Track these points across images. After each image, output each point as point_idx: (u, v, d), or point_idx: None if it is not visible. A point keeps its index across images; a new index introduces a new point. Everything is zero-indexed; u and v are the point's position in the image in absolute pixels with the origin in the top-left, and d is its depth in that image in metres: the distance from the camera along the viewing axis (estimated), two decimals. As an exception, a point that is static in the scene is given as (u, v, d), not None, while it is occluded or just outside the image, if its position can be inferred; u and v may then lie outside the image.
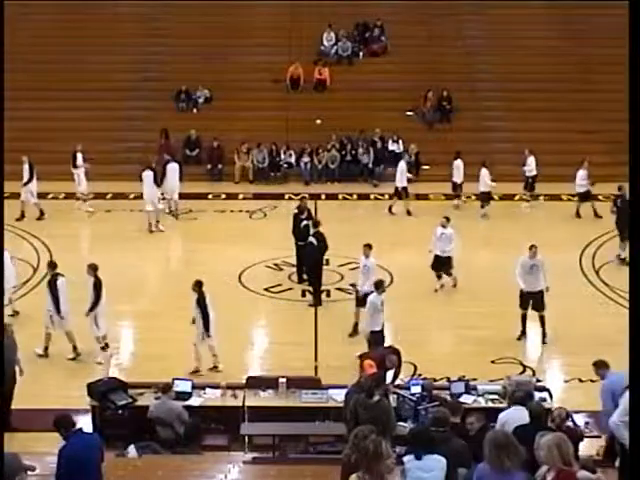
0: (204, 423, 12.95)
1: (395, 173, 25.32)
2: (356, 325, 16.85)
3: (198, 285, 15.52)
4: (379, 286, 15.56)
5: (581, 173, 24.56)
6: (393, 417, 11.45)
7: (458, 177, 25.81)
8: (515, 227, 23.72)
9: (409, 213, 24.99)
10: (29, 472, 7.80)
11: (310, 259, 19.18)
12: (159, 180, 23.87)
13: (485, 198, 24.90)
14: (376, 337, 15.35)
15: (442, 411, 10.18)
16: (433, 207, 26.04)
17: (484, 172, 24.82)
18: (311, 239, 19.02)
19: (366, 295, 16.10)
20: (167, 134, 28.56)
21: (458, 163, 25.64)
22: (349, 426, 10.90)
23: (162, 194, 24.48)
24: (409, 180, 25.23)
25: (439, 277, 19.34)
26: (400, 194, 25.14)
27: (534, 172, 26.06)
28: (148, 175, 23.53)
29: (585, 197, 24.58)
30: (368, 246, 17.30)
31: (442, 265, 19.27)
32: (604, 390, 11.39)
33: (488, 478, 7.41)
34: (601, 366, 11.71)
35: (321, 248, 18.86)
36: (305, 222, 19.79)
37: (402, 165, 25.29)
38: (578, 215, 24.49)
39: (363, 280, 16.91)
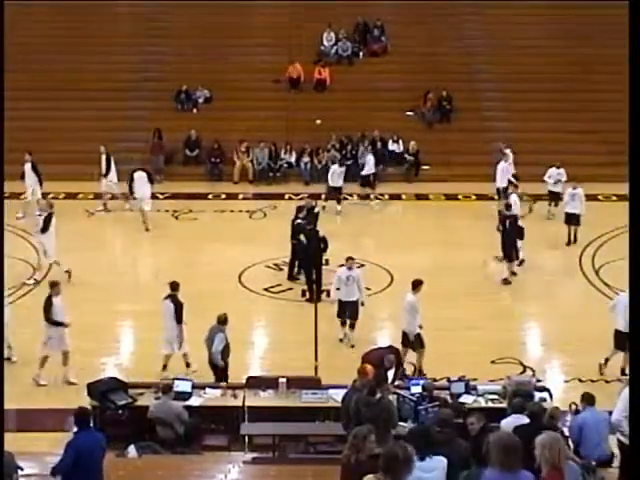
0: (204, 423, 12.95)
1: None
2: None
3: None
4: None
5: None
6: (395, 415, 11.48)
7: (337, 182, 25.45)
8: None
9: (500, 214, 24.30)
10: (19, 471, 7.89)
11: (302, 257, 19.35)
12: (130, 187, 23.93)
13: (554, 198, 24.30)
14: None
15: (447, 412, 10.19)
16: (433, 207, 26.09)
17: (552, 171, 24.32)
18: (301, 237, 19.11)
19: None
20: (160, 134, 28.57)
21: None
22: (349, 426, 10.89)
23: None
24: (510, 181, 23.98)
25: (344, 324, 16.95)
26: (500, 194, 24.36)
27: (372, 170, 26.04)
28: (142, 176, 23.76)
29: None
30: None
31: (346, 311, 16.86)
32: (574, 425, 11.14)
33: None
34: (587, 400, 11.27)
35: (312, 246, 18.87)
36: (298, 221, 19.86)
37: (502, 165, 24.46)
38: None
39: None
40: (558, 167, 24.43)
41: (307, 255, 19.15)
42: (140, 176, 23.86)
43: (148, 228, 23.17)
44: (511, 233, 19.63)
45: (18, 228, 22.81)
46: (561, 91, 31.13)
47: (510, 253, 19.62)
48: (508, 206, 20.02)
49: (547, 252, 21.41)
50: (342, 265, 17.20)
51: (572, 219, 22.07)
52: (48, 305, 15.04)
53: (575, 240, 22.08)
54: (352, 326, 16.85)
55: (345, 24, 33.29)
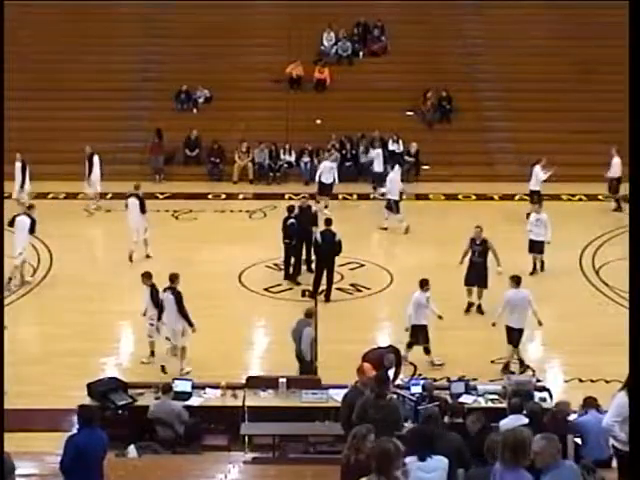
0: (204, 423, 12.96)
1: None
2: None
3: None
4: None
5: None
6: (402, 417, 11.46)
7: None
8: (517, 228, 23.72)
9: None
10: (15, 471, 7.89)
11: (318, 256, 19.38)
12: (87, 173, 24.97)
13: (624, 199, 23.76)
14: None
15: (431, 409, 10.27)
16: (433, 207, 26.09)
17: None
18: (317, 236, 19.15)
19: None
20: (160, 134, 28.57)
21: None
22: (348, 425, 10.86)
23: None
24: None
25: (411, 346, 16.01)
26: (532, 197, 24.18)
27: (330, 180, 25.50)
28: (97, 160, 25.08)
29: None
30: None
31: (418, 338, 15.89)
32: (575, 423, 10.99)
33: (502, 477, 7.41)
34: (589, 404, 11.06)
35: (327, 247, 18.88)
36: (291, 221, 19.89)
37: (537, 169, 24.22)
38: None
39: None
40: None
41: (320, 255, 19.17)
42: (97, 160, 24.87)
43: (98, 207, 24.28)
44: (485, 257, 18.38)
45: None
46: (561, 91, 31.13)
47: (486, 279, 18.23)
48: (476, 227, 18.94)
49: (547, 252, 21.36)
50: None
51: (535, 247, 20.24)
52: (181, 297, 15.25)
53: (542, 268, 20.39)
54: (427, 350, 15.89)
55: (345, 24, 33.30)
